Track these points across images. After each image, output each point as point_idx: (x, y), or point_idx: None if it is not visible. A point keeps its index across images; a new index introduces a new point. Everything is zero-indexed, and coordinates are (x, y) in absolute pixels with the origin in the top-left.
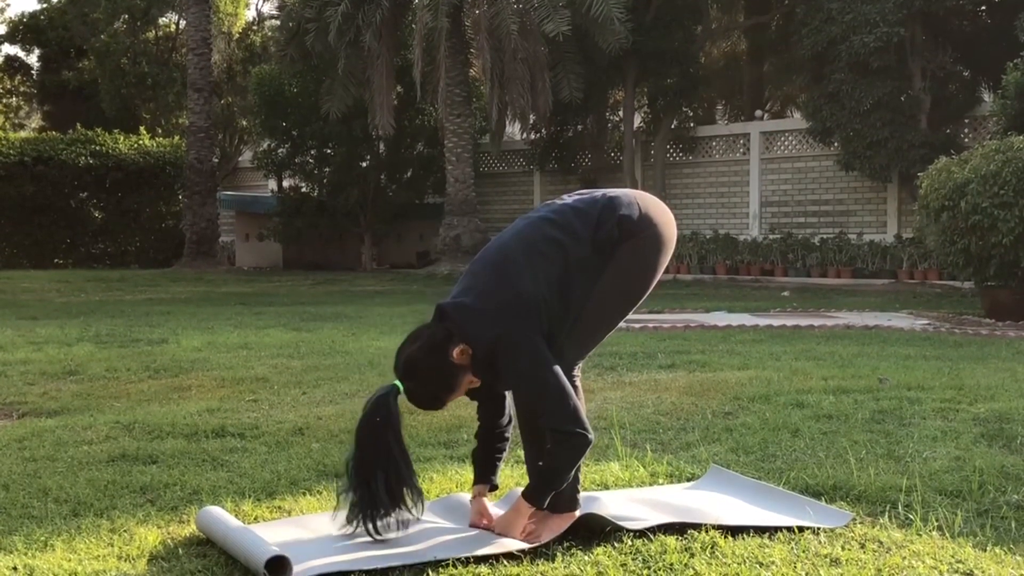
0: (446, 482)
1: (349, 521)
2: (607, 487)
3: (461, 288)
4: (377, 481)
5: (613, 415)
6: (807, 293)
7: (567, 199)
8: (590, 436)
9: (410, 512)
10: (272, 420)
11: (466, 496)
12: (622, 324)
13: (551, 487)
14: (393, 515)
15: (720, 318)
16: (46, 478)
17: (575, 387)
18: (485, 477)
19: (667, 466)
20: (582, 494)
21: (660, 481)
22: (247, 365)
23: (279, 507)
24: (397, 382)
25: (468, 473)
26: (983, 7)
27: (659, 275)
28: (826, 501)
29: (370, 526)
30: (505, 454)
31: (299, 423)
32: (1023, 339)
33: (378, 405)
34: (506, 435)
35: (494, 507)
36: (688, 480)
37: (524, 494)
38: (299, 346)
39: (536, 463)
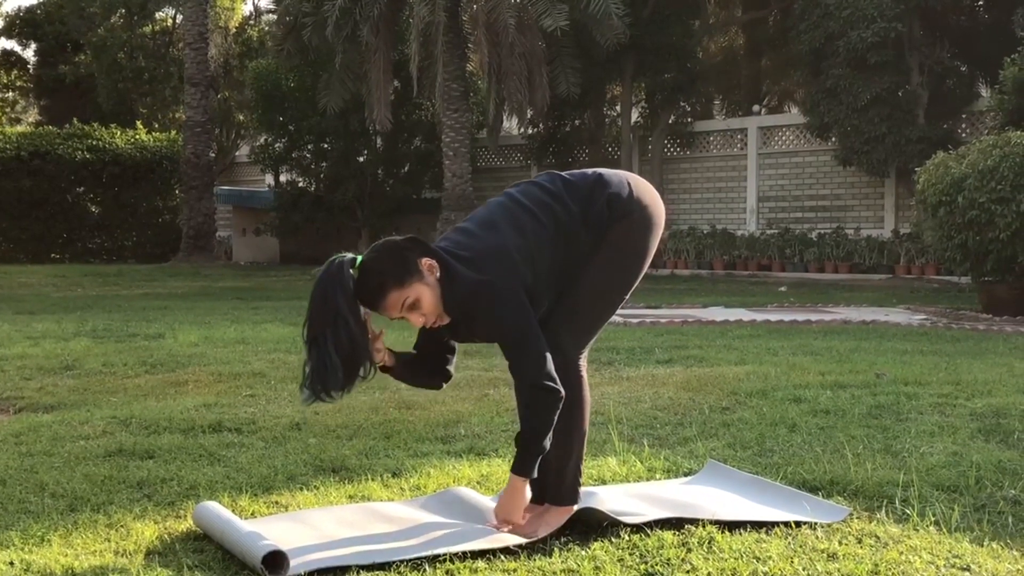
0: (443, 477)
1: (307, 390)
2: (604, 482)
3: (451, 241)
4: (327, 341)
5: (610, 410)
6: (804, 288)
7: (560, 172)
8: (563, 392)
9: (361, 375)
10: (269, 415)
11: (464, 490)
12: (619, 319)
13: (534, 452)
14: (343, 377)
15: (717, 313)
16: (43, 473)
17: (581, 378)
18: (402, 357)
19: (664, 461)
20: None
21: (657, 476)
22: (244, 360)
23: (276, 502)
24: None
25: (466, 468)
26: (980, 2)
27: (651, 257)
28: (823, 496)
29: (322, 392)
30: (426, 381)
31: (296, 418)
32: (1020, 334)
33: (330, 264)
34: (446, 375)
35: (491, 500)
36: (685, 475)
37: (512, 468)
38: (296, 341)
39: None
